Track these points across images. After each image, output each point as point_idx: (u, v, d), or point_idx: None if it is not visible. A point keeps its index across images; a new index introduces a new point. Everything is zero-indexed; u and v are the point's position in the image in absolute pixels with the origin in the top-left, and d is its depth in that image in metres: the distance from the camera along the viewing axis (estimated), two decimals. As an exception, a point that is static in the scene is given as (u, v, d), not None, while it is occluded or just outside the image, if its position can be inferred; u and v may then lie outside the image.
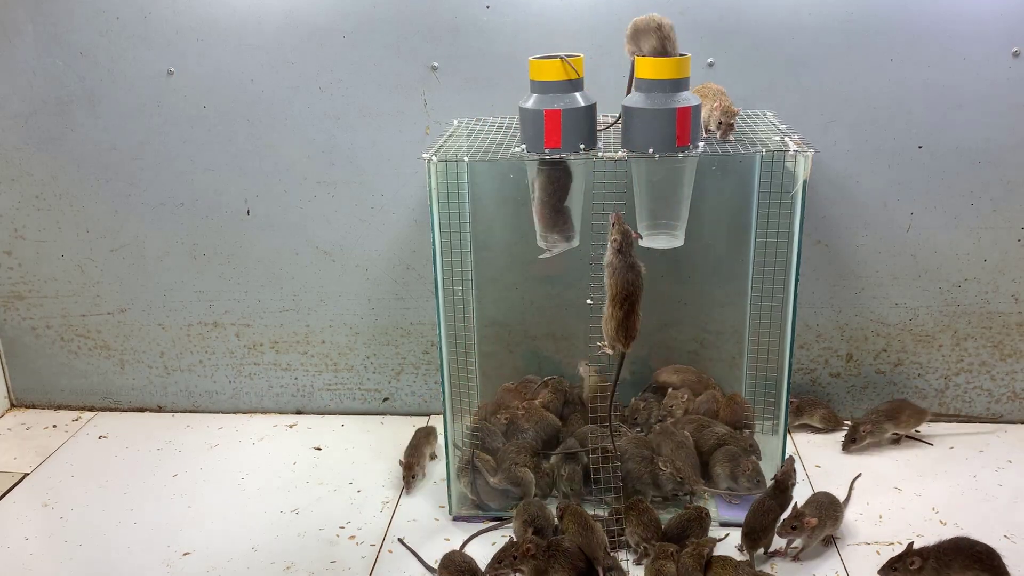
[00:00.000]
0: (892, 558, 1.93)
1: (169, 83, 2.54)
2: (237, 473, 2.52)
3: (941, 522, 2.20)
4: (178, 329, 2.81)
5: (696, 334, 2.64)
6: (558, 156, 1.99)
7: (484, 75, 2.44)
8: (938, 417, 2.63)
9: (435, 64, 2.45)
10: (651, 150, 1.91)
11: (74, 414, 2.91)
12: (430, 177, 2.01)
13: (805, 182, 1.93)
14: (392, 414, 2.84)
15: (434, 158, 2.00)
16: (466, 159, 2.03)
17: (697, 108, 1.92)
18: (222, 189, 2.64)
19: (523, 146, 2.02)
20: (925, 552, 1.90)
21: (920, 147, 2.42)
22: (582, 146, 1.97)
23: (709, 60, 2.37)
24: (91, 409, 2.94)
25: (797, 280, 2.03)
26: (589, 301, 2.02)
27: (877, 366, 2.66)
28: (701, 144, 1.97)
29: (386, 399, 2.83)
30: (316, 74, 2.49)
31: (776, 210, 2.08)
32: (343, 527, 2.25)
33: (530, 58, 1.97)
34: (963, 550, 1.89)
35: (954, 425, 2.65)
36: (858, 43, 2.34)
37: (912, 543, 1.93)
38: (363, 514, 2.31)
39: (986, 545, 1.91)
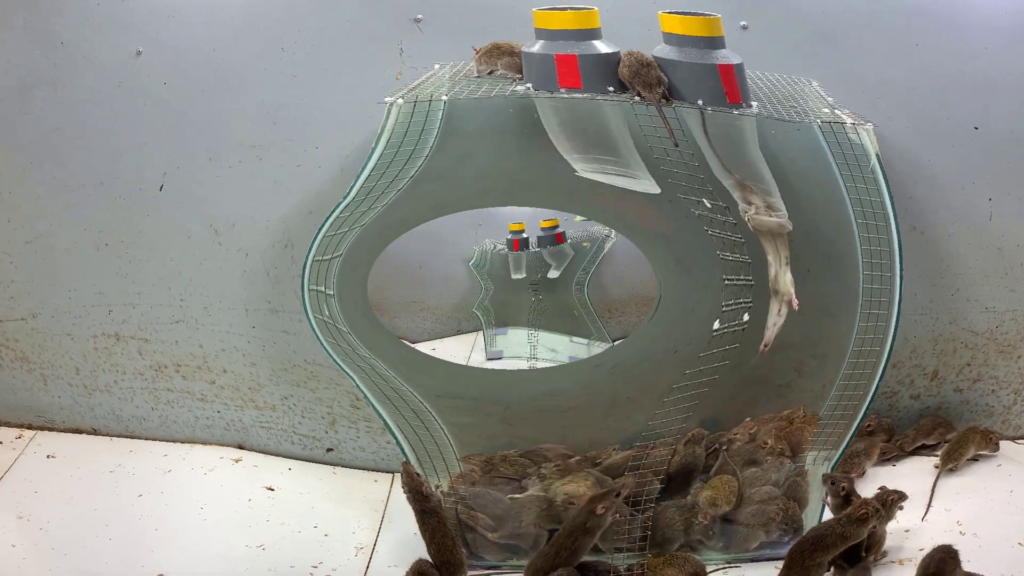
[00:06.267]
0: None
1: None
2: (196, 503, 2.34)
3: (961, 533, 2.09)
4: (84, 341, 2.58)
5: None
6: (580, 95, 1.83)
7: (477, 27, 2.24)
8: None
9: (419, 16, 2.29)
10: (700, 102, 1.79)
11: (15, 431, 2.69)
12: (387, 119, 1.80)
13: (878, 156, 1.77)
14: (344, 466, 2.57)
15: (400, 100, 1.78)
16: (444, 98, 1.80)
17: (740, 67, 1.80)
18: (144, 163, 2.43)
19: (528, 84, 1.86)
20: None
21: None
22: (611, 88, 1.83)
23: (742, 23, 2.29)
24: (30, 427, 2.71)
25: (902, 276, 1.85)
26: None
27: (958, 383, 2.50)
28: (755, 104, 1.82)
29: (330, 450, 2.55)
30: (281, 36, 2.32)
31: (852, 184, 1.85)
32: (315, 567, 2.12)
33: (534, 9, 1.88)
34: None
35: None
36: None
37: None
38: (336, 556, 2.16)
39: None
